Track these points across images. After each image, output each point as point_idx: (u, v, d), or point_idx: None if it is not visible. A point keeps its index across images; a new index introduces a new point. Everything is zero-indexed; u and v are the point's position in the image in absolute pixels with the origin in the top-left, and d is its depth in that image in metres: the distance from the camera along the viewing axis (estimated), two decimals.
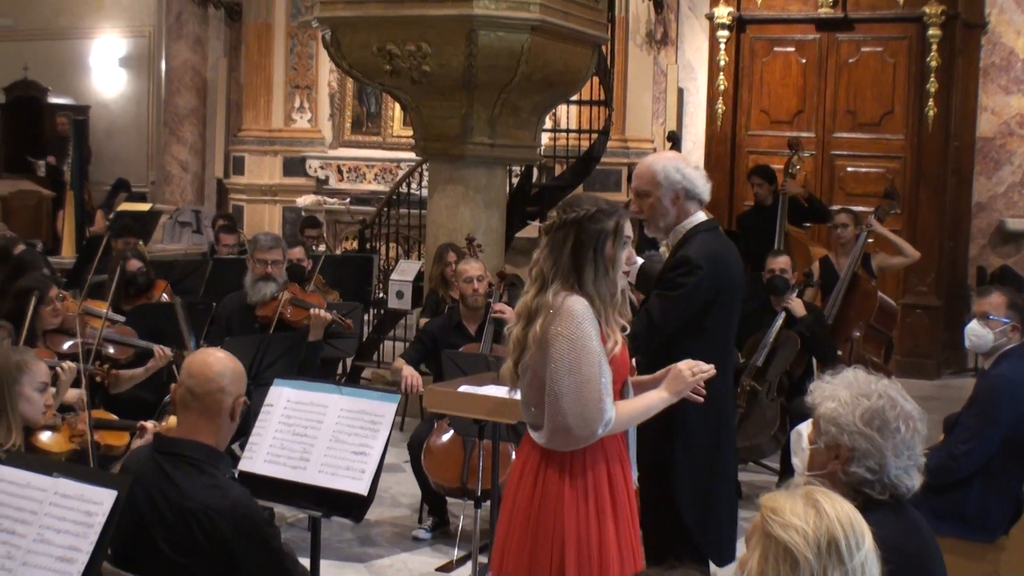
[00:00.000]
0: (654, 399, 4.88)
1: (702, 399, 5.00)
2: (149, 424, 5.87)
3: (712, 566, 5.89)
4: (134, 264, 9.63)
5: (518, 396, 4.92)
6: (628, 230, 4.83)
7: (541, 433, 4.73)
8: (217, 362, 4.60)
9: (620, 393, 4.86)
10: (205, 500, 4.34)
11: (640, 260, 5.85)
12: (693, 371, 4.89)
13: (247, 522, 4.36)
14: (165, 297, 9.53)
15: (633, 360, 5.00)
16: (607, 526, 4.73)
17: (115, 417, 6.83)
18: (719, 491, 5.92)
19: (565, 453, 4.71)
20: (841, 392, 3.78)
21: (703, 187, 5.86)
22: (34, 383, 5.55)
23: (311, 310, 8.70)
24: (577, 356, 4.57)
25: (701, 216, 5.89)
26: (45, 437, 5.83)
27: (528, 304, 4.76)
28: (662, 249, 6.22)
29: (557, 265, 4.72)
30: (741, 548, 3.14)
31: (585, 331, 4.59)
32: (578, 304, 4.62)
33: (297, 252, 10.46)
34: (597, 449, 4.76)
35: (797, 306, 9.24)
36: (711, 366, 4.93)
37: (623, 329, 4.82)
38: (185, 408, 4.56)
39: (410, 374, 8.18)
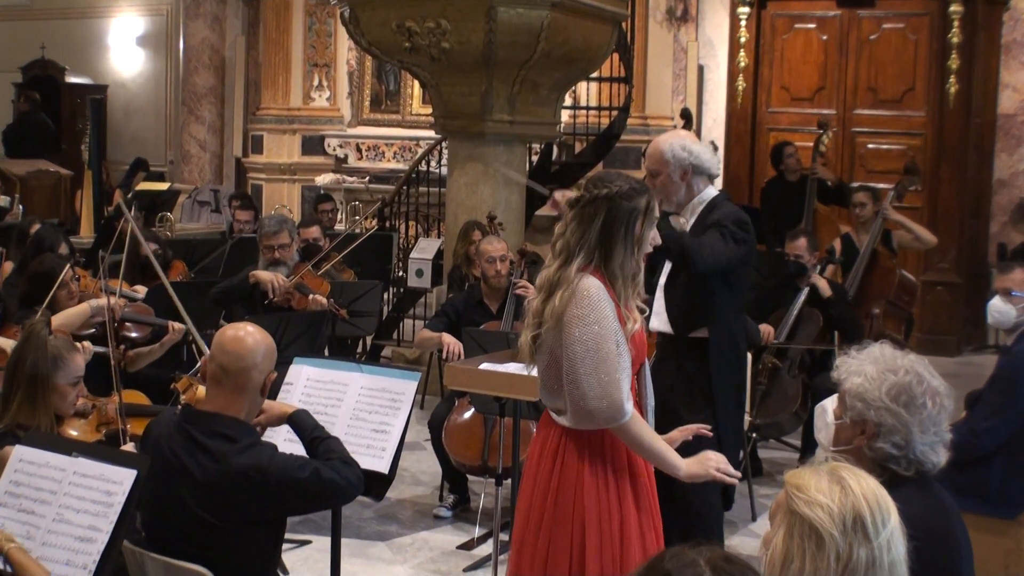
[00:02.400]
0: (670, 458, 4.70)
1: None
2: None
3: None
4: (149, 245, 9.61)
5: (535, 372, 4.89)
6: (657, 210, 4.78)
7: (567, 417, 4.67)
8: (249, 337, 4.61)
9: (637, 376, 4.81)
10: (243, 462, 4.38)
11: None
12: (719, 469, 4.74)
13: (283, 471, 4.40)
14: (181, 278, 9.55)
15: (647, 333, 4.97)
16: (628, 508, 4.67)
17: (148, 401, 6.81)
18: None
19: (583, 435, 4.65)
20: (867, 367, 3.75)
21: (710, 162, 6.15)
22: (69, 377, 5.53)
23: (310, 296, 8.68)
24: (594, 337, 4.49)
25: (713, 191, 6.18)
26: (72, 428, 5.81)
27: (550, 277, 4.66)
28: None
29: (584, 239, 4.61)
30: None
31: (601, 312, 4.50)
32: (592, 285, 4.53)
33: (314, 231, 10.43)
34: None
35: (823, 285, 9.20)
36: (738, 475, 4.87)
37: (641, 311, 4.77)
38: (217, 383, 4.56)
39: (451, 341, 8.12)
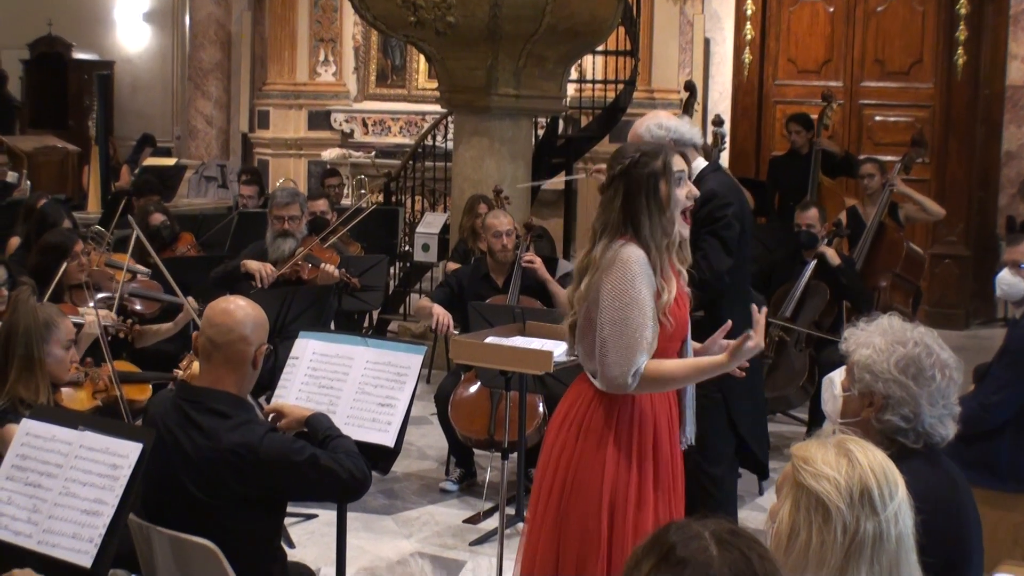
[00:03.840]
0: (707, 364, 4.75)
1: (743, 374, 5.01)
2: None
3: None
4: (157, 218, 9.64)
5: (559, 350, 4.93)
6: (679, 164, 4.78)
7: (599, 380, 4.70)
8: (238, 310, 4.55)
9: (680, 352, 4.84)
10: (233, 440, 4.33)
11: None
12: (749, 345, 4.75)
13: (275, 450, 4.36)
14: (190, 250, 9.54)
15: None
16: (647, 488, 4.69)
17: (137, 369, 6.82)
18: (763, 410, 6.48)
19: (612, 407, 4.68)
20: (876, 339, 3.73)
21: (691, 133, 6.14)
22: (61, 341, 5.57)
23: (320, 266, 8.67)
24: (624, 307, 4.53)
25: (702, 161, 6.20)
26: (68, 395, 5.82)
27: (579, 265, 4.74)
28: None
29: (607, 220, 4.67)
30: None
31: (636, 284, 4.54)
32: (635, 254, 4.56)
33: (321, 204, 10.45)
34: (646, 407, 4.72)
35: (831, 255, 9.17)
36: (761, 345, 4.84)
37: (688, 282, 4.79)
38: (207, 358, 4.52)
39: (440, 313, 8.10)
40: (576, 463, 4.70)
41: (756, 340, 4.63)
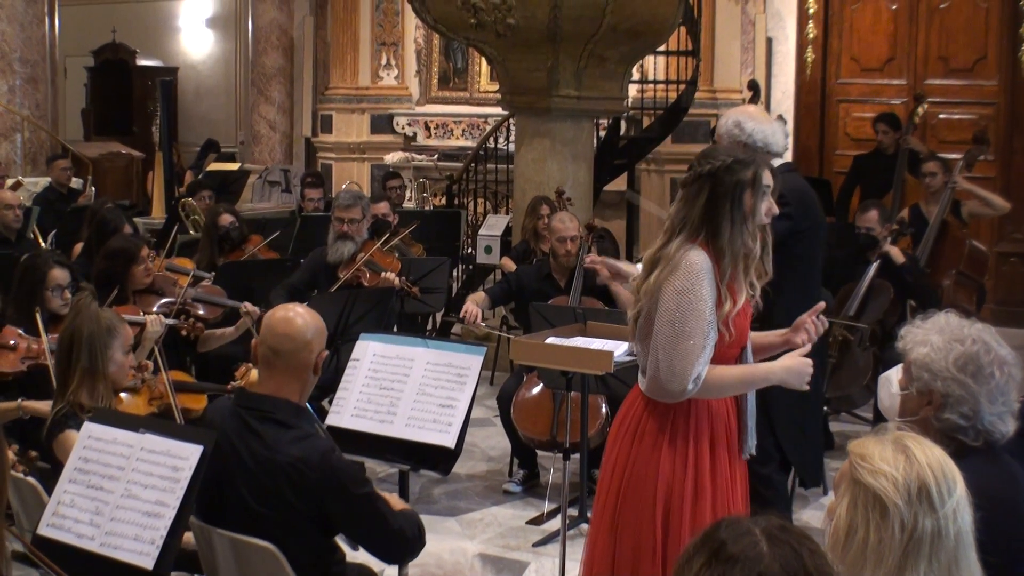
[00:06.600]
0: (760, 373, 4.73)
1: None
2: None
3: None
4: (226, 219, 9.69)
5: (618, 349, 4.89)
6: (768, 180, 4.72)
7: (645, 379, 4.68)
8: (298, 317, 4.54)
9: (738, 359, 4.76)
10: (293, 453, 4.31)
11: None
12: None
13: (335, 473, 4.32)
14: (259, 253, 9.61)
15: None
16: (704, 486, 4.65)
17: (192, 379, 6.86)
18: (810, 413, 6.35)
19: (667, 414, 4.65)
20: (933, 337, 3.71)
21: (770, 140, 6.12)
22: (123, 346, 5.60)
23: (381, 274, 8.68)
24: (683, 312, 4.49)
25: (776, 162, 6.00)
26: (126, 400, 5.86)
27: (651, 256, 4.69)
28: None
29: (687, 218, 4.62)
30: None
31: (698, 289, 4.49)
32: (698, 258, 4.51)
33: (382, 207, 10.46)
34: (703, 413, 4.67)
35: (896, 253, 9.14)
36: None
37: (751, 290, 4.70)
38: (269, 366, 4.51)
39: (470, 305, 8.12)
40: (632, 466, 4.68)
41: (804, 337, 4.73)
